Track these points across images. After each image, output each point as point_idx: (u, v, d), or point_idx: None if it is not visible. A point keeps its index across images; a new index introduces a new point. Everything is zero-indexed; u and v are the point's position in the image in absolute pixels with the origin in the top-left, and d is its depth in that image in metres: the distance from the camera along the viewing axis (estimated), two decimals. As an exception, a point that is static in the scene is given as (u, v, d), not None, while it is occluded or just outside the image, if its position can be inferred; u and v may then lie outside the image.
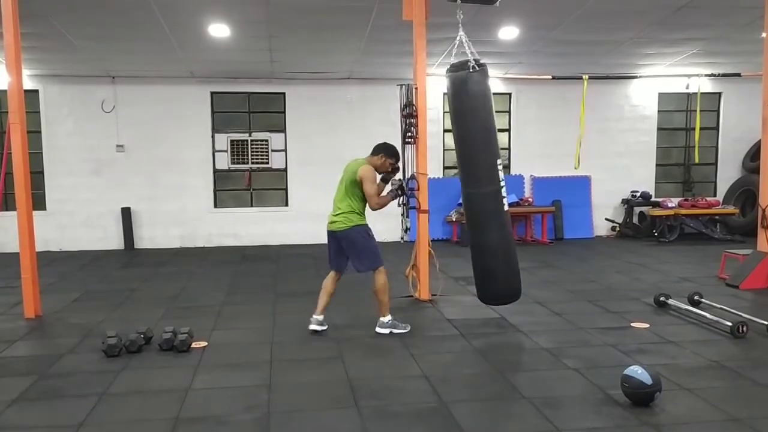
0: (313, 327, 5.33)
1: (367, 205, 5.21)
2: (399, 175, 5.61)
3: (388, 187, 5.49)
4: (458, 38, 5.68)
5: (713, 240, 11.11)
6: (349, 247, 5.22)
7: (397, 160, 5.44)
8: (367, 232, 5.24)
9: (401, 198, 5.56)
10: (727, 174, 12.59)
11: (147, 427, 3.57)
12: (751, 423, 3.46)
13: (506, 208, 5.51)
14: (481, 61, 5.49)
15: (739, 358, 4.61)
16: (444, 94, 10.94)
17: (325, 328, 5.36)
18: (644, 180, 12.36)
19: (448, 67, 5.61)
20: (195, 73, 10.88)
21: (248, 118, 11.59)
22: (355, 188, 5.17)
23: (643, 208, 12.14)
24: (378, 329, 5.32)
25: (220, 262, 9.66)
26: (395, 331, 5.30)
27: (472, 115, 5.44)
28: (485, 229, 5.46)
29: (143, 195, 11.25)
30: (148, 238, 11.34)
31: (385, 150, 5.30)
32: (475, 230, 5.58)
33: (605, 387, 4.00)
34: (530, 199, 11.82)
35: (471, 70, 5.38)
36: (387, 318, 5.33)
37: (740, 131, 12.24)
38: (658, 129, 12.45)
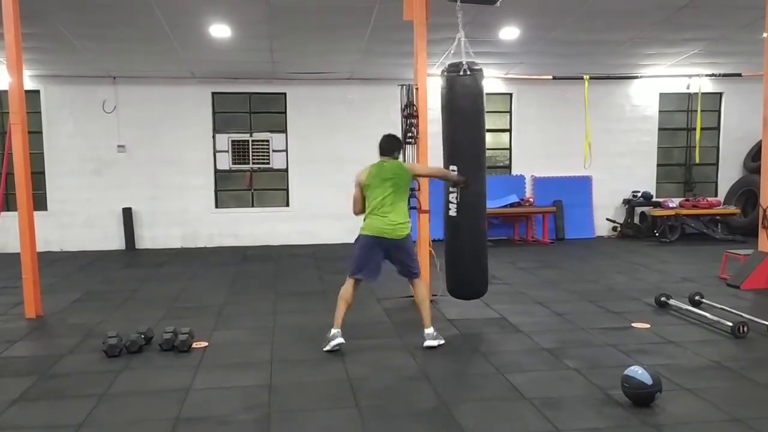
0: (336, 342, 4.80)
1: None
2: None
3: None
4: (457, 39, 5.67)
5: (714, 240, 11.10)
6: (405, 252, 5.00)
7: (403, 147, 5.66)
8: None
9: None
10: (728, 174, 12.58)
11: (147, 427, 3.57)
12: (751, 423, 3.46)
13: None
14: (476, 66, 5.54)
15: (739, 359, 4.61)
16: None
17: (343, 341, 4.86)
18: (645, 180, 12.35)
19: (445, 67, 5.63)
20: (196, 74, 10.88)
21: (249, 118, 11.59)
22: (407, 190, 5.07)
23: (644, 209, 12.12)
24: (429, 342, 4.93)
25: (221, 262, 9.66)
26: (441, 341, 4.99)
27: (462, 116, 5.60)
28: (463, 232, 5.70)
29: (144, 195, 11.26)
30: (149, 238, 11.34)
31: (398, 147, 5.18)
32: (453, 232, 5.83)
33: (606, 387, 4.00)
34: (531, 200, 11.80)
35: (462, 73, 5.44)
36: (431, 329, 5.01)
37: (741, 131, 12.22)
38: (659, 129, 12.44)
